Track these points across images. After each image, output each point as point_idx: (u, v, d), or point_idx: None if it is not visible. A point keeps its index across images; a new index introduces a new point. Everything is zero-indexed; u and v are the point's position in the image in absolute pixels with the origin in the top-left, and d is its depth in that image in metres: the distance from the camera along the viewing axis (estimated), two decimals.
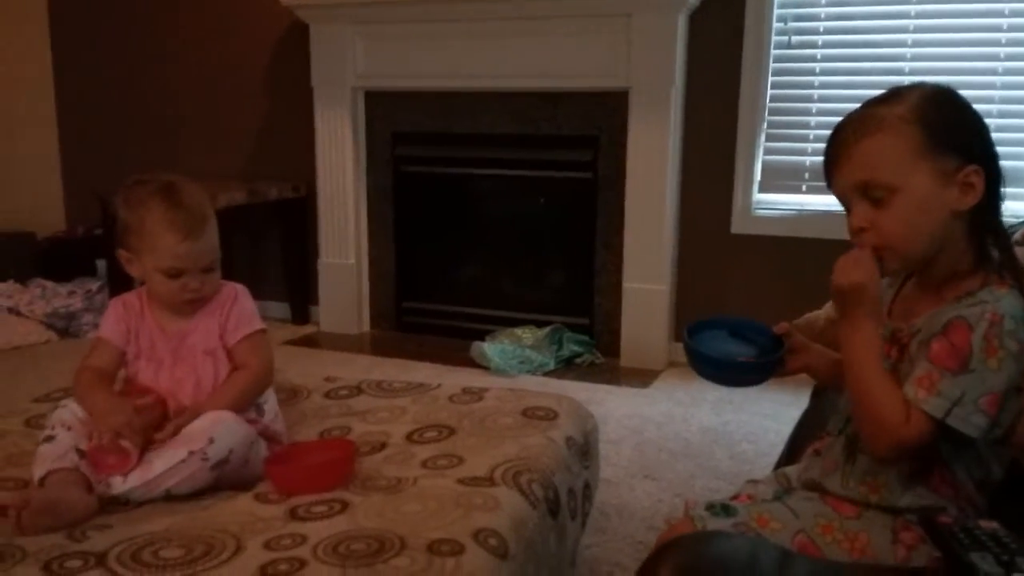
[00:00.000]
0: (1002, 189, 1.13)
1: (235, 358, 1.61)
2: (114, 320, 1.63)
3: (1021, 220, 2.11)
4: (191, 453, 1.43)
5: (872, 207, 1.11)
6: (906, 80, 3.08)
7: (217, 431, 1.46)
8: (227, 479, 1.48)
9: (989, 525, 0.86)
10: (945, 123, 1.10)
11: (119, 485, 1.42)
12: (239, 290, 1.66)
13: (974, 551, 0.82)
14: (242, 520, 1.34)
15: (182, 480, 1.43)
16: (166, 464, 1.43)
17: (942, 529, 0.87)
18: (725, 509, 1.20)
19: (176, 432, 1.48)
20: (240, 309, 1.62)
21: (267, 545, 1.25)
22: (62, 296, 3.89)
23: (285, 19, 3.77)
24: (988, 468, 1.13)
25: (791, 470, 1.32)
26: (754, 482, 1.34)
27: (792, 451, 1.52)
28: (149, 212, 1.53)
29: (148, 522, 1.35)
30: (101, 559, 1.22)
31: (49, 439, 1.46)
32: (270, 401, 1.63)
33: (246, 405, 1.59)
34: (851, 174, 1.12)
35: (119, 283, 1.61)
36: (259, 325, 1.65)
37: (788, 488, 1.28)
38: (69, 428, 1.47)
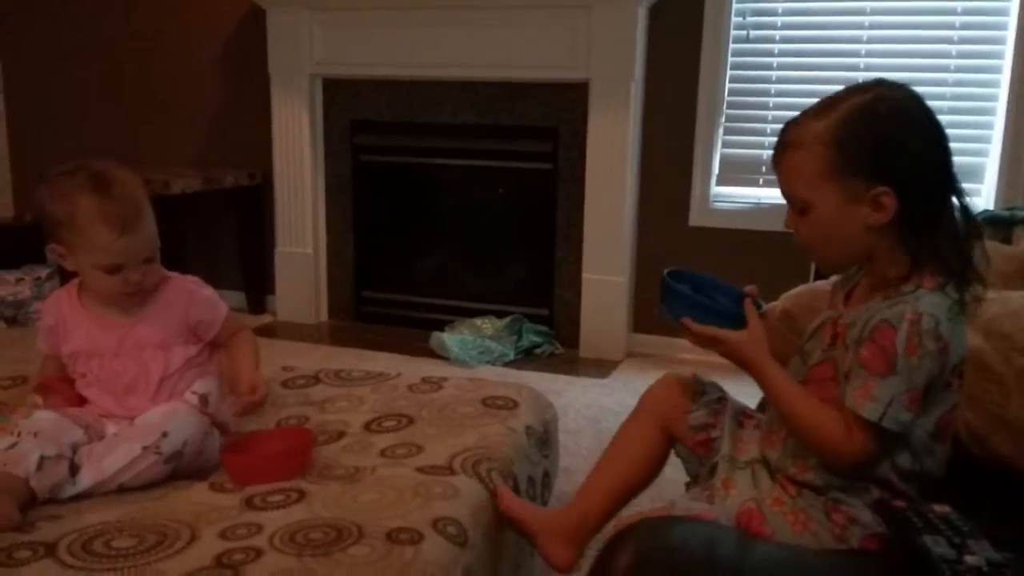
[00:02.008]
0: (954, 196, 1.17)
1: (224, 338, 1.62)
2: (43, 333, 1.59)
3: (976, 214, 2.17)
4: (144, 448, 1.40)
5: (797, 214, 1.21)
6: (860, 76, 3.13)
7: (171, 424, 1.43)
8: (182, 470, 1.45)
9: (942, 509, 0.88)
10: (859, 146, 1.14)
11: (70, 489, 1.38)
12: (194, 283, 1.61)
13: (927, 534, 0.84)
14: (197, 510, 1.32)
15: (136, 475, 1.40)
16: (119, 463, 1.39)
17: (896, 513, 0.89)
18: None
19: (251, 410, 1.54)
20: (205, 302, 1.59)
21: (222, 535, 1.24)
22: (10, 284, 3.79)
23: (242, 4, 3.70)
24: (919, 461, 1.16)
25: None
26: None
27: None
28: (79, 207, 1.42)
29: (100, 512, 1.32)
30: (51, 549, 1.20)
31: (12, 446, 1.36)
32: (213, 392, 1.57)
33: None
34: (780, 185, 1.23)
35: (69, 271, 1.54)
36: (225, 306, 1.64)
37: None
38: (36, 435, 1.38)
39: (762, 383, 1.24)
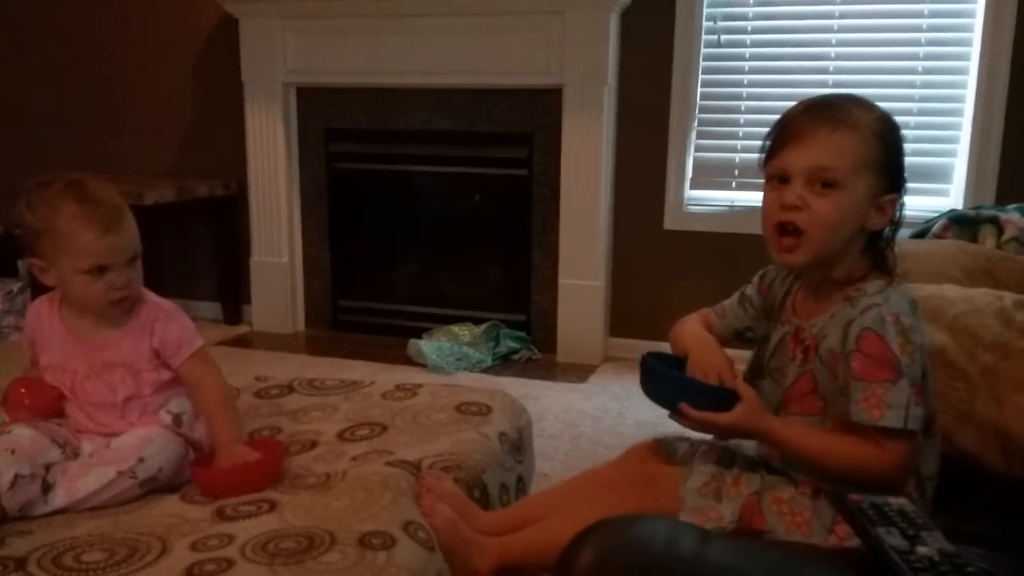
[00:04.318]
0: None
1: (186, 378, 1.56)
2: (27, 341, 1.59)
3: (939, 215, 2.20)
4: (120, 473, 1.40)
5: (812, 192, 1.16)
6: (831, 79, 3.15)
7: (148, 450, 1.43)
8: (156, 488, 1.45)
9: (897, 502, 0.90)
10: (894, 148, 1.18)
11: (41, 507, 1.37)
12: (168, 308, 1.58)
13: (881, 526, 0.85)
14: (168, 522, 1.32)
15: (109, 498, 1.40)
16: (92, 486, 1.39)
17: (851, 505, 0.90)
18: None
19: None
20: (177, 328, 1.55)
21: (193, 546, 1.23)
22: None
23: (214, 13, 3.69)
24: (927, 461, 1.19)
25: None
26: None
27: None
28: (59, 212, 1.43)
29: (70, 527, 1.32)
30: (21, 564, 1.19)
31: None
32: (187, 411, 1.57)
33: (236, 415, 1.59)
34: (812, 156, 1.16)
35: (41, 284, 1.53)
36: (200, 341, 1.58)
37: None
38: (12, 452, 1.37)
39: (775, 445, 1.23)
